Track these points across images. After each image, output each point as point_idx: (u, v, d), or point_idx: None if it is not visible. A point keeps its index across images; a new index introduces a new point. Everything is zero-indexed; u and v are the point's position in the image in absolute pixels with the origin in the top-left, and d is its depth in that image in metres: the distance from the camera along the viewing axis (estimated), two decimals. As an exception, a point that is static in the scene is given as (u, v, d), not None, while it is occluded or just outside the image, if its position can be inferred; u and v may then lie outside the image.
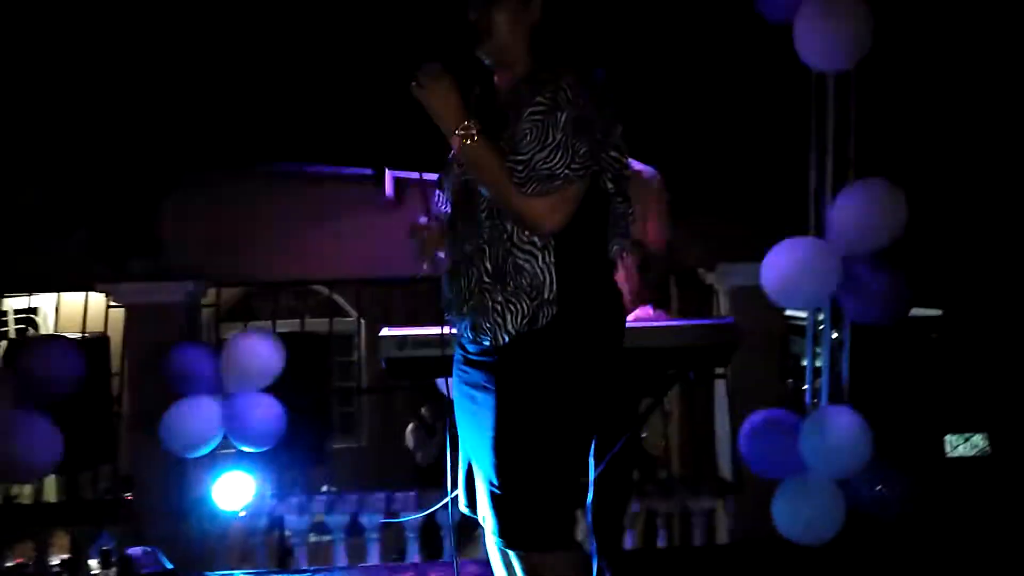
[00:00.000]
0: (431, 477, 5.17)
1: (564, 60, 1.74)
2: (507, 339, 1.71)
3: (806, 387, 3.45)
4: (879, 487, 3.16)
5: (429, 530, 4.31)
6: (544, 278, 1.71)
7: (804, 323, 3.27)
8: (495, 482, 1.70)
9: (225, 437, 3.68)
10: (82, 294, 4.49)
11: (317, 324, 5.62)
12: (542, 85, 1.71)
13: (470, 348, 1.80)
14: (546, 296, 1.71)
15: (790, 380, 4.71)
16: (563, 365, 1.71)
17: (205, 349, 3.82)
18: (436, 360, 2.23)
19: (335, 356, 6.44)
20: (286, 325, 4.95)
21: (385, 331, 2.21)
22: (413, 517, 3.73)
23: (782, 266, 2.70)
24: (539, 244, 1.72)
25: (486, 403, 1.73)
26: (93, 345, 3.93)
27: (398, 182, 4.68)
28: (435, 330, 2.11)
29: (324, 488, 5.29)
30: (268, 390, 3.70)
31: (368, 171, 4.45)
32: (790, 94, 2.82)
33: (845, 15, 2.52)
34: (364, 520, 4.05)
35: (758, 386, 3.94)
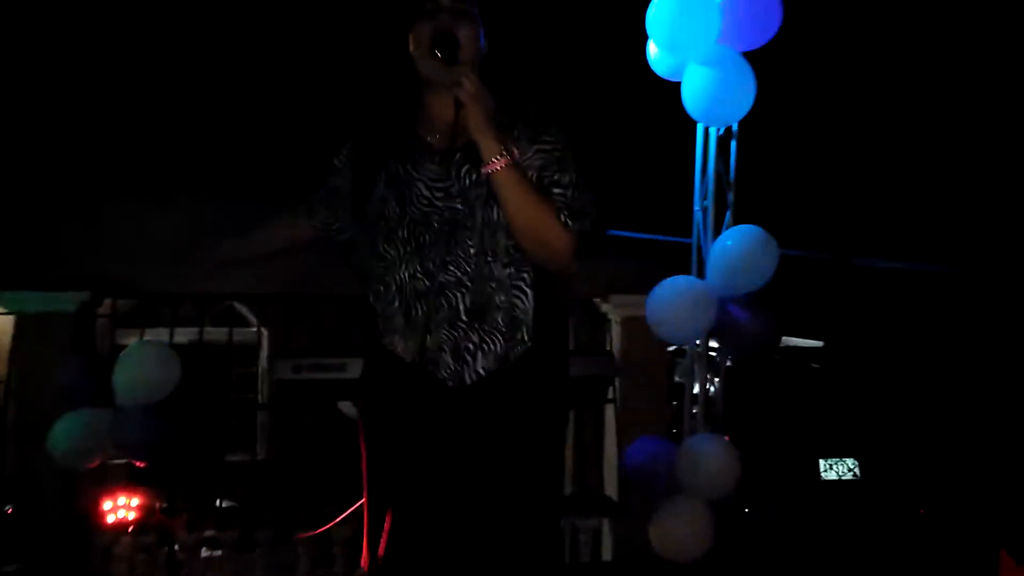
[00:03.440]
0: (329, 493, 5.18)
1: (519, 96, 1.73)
2: (475, 378, 1.67)
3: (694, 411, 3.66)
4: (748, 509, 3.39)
5: (322, 545, 4.33)
6: (523, 319, 1.69)
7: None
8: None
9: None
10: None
11: (217, 333, 5.56)
12: (541, 123, 1.71)
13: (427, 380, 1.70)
14: (521, 337, 1.69)
15: (674, 402, 4.95)
16: (535, 401, 1.72)
17: (97, 360, 3.76)
18: (333, 384, 2.31)
19: (237, 367, 6.37)
20: (185, 334, 4.88)
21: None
22: (310, 534, 3.75)
23: (663, 302, 2.89)
24: (528, 283, 1.70)
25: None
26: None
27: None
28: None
29: (218, 502, 5.22)
30: (163, 402, 3.67)
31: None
32: (677, 146, 3.04)
33: (728, 79, 2.74)
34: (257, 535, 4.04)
35: (645, 410, 4.14)
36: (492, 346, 1.67)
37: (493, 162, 1.62)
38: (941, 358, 4.63)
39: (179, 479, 4.18)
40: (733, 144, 3.01)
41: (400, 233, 1.71)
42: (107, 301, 4.32)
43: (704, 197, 3.05)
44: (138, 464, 3.75)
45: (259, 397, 6.07)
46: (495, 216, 1.68)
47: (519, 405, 1.69)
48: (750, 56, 2.76)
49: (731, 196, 3.04)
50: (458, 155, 1.70)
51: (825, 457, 5.45)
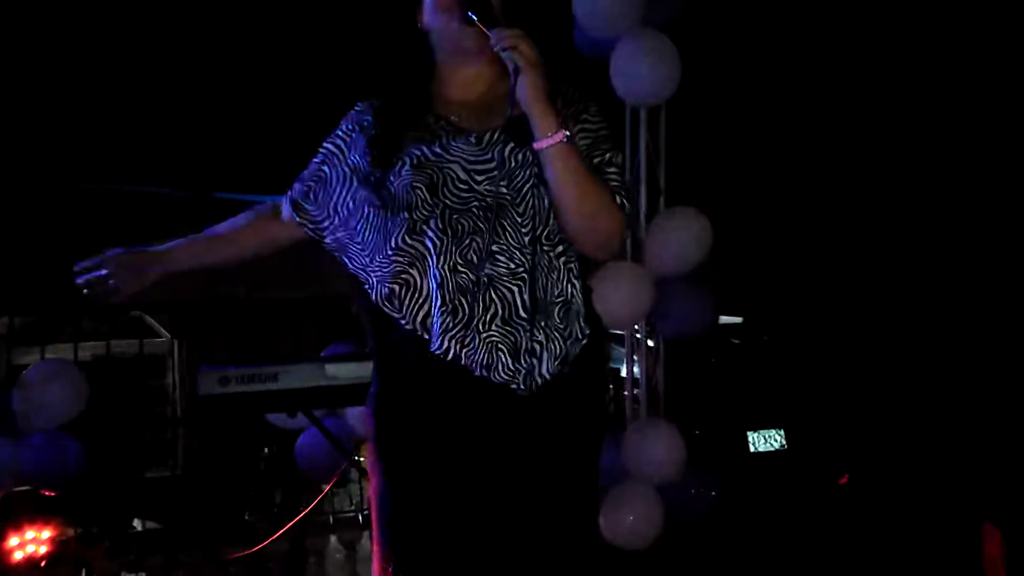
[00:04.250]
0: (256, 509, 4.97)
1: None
2: (539, 383, 1.49)
3: (627, 394, 3.64)
4: (692, 491, 3.39)
5: (256, 563, 4.14)
6: (577, 312, 1.54)
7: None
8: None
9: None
10: None
11: (124, 346, 5.24)
12: (580, 101, 1.57)
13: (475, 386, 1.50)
14: (576, 334, 1.54)
15: (611, 386, 4.95)
16: (596, 406, 1.60)
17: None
18: (263, 395, 2.15)
19: (147, 380, 6.05)
20: (89, 349, 4.58)
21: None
22: (242, 553, 3.57)
23: (601, 288, 2.83)
24: (575, 273, 1.54)
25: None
26: None
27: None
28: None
29: (136, 523, 4.95)
30: (70, 424, 3.42)
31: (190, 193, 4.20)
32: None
33: (656, 56, 2.69)
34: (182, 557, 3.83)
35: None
36: (554, 345, 1.49)
37: (549, 137, 1.43)
38: (861, 326, 4.76)
39: (93, 504, 3.91)
40: (662, 123, 2.98)
41: (433, 223, 1.50)
42: (2, 319, 4.01)
43: (635, 179, 3.01)
44: (46, 493, 3.49)
45: (174, 411, 5.79)
46: (546, 200, 1.49)
47: (586, 412, 1.55)
48: (676, 34, 2.72)
49: (662, 177, 3.00)
50: (498, 133, 1.52)
51: (753, 430, 5.55)
